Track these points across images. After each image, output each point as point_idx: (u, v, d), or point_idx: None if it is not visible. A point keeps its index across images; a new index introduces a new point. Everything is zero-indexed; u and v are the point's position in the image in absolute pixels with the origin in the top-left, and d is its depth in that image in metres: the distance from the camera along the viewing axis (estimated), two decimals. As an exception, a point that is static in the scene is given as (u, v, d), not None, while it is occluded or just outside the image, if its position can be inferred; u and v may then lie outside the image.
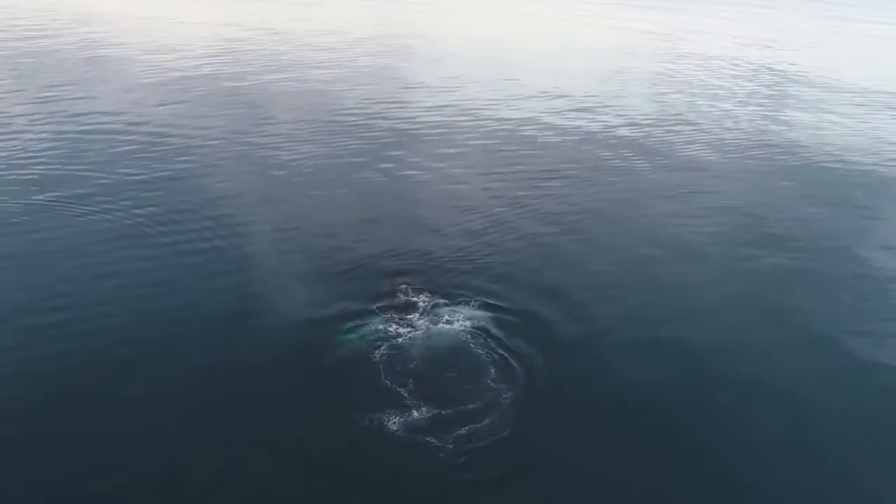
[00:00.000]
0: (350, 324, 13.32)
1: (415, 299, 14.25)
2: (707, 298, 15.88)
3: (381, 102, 28.92)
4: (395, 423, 10.93)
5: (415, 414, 11.11)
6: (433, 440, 10.63)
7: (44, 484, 9.59)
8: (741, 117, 31.83)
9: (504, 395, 11.63)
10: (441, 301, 14.32)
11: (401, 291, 14.49)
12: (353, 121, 26.01)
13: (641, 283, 16.22)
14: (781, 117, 32.43)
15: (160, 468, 10.01)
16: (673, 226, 19.38)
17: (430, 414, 11.11)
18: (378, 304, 14.04)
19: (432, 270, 15.87)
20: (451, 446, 10.58)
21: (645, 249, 17.87)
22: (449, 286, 15.07)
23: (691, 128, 29.33)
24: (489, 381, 11.96)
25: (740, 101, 34.85)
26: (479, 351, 12.75)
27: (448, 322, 13.53)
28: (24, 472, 9.73)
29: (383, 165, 22.10)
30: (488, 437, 10.74)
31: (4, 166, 18.87)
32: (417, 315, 13.70)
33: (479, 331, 13.32)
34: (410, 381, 11.82)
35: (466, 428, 10.86)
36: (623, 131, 28.12)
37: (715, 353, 13.73)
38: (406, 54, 41.13)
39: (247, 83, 29.58)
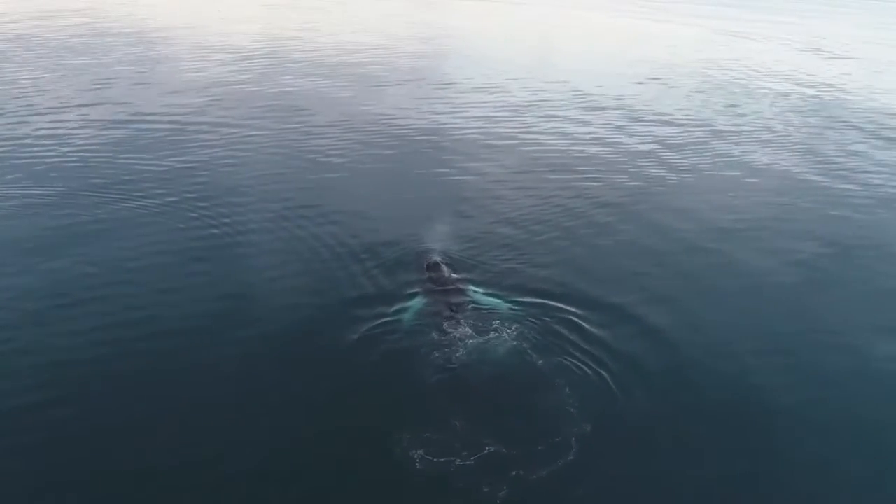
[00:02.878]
0: (386, 328, 10.77)
1: (460, 297, 11.60)
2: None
3: (427, 98, 26.21)
4: (433, 451, 8.30)
5: (461, 444, 8.45)
6: (485, 483, 7.92)
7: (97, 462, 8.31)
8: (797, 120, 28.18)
9: (579, 428, 8.78)
10: (490, 301, 11.63)
11: (444, 289, 11.81)
12: (393, 116, 23.19)
13: (725, 286, 13.39)
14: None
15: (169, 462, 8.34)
16: (743, 231, 16.17)
17: (480, 446, 8.43)
18: (419, 304, 11.45)
19: (478, 266, 13.20)
20: (504, 492, 7.83)
21: (716, 245, 15.11)
22: (498, 285, 12.39)
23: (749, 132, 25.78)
24: (559, 407, 9.14)
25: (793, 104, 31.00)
26: (542, 365, 9.95)
27: (502, 327, 10.79)
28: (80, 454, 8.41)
29: (421, 159, 19.40)
30: (556, 483, 7.97)
31: (56, 156, 17.38)
32: (464, 316, 11.02)
33: (539, 340, 10.57)
34: (456, 400, 9.19)
35: (527, 470, 8.10)
36: (679, 130, 24.88)
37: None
38: (454, 52, 38.58)
39: (288, 77, 27.54)
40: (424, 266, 12.53)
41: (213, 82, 26.14)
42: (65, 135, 19.19)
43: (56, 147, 18.18)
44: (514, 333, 10.60)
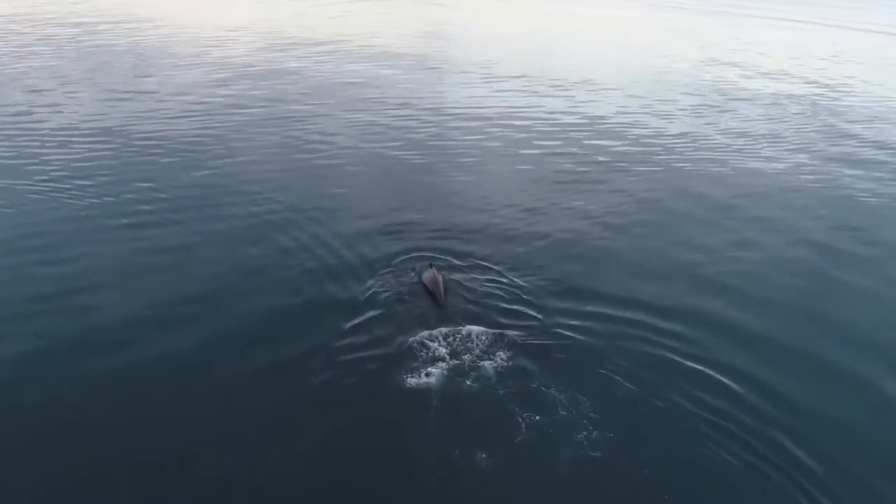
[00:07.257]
0: (377, 348, 8.90)
1: (463, 310, 9.75)
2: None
3: (432, 98, 23.98)
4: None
5: None
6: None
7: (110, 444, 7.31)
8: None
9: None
10: (500, 316, 9.71)
11: (441, 301, 9.89)
12: (398, 112, 21.37)
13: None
14: None
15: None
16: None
17: None
18: (417, 320, 9.53)
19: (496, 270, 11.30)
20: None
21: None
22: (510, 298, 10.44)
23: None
24: (621, 469, 7.18)
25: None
26: (580, 405, 7.97)
27: (510, 350, 8.85)
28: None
29: (426, 157, 17.54)
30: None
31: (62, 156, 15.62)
32: (474, 335, 8.97)
33: (569, 364, 8.66)
34: (477, 456, 7.18)
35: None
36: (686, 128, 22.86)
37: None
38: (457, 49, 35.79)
39: (289, 75, 25.69)
40: (421, 275, 10.57)
41: (217, 84, 23.94)
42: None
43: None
44: (540, 357, 8.60)
